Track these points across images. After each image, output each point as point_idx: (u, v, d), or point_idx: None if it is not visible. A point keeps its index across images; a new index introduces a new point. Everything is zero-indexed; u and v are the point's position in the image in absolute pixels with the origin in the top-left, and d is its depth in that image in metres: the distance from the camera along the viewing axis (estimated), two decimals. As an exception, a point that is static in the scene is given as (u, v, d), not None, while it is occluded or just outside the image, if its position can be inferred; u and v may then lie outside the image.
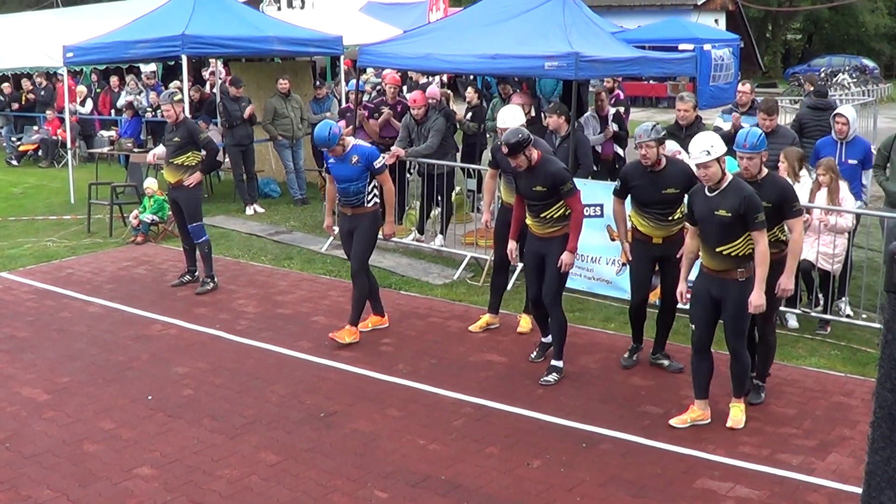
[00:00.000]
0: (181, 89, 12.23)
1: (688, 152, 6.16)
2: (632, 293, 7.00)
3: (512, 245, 7.09)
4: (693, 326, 5.98)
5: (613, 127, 10.74)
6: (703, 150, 5.70)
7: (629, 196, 6.83)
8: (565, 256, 6.59)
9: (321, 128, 7.31)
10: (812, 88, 11.96)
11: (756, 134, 6.05)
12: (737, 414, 5.93)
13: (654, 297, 7.44)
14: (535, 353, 7.14)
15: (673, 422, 5.93)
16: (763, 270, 5.66)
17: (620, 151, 10.91)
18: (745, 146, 5.98)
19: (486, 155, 10.34)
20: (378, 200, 7.56)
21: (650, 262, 6.85)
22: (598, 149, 10.64)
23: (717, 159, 5.70)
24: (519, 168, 6.64)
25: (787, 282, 5.97)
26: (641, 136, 6.47)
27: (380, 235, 7.68)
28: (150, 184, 11.44)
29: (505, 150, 6.62)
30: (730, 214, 5.65)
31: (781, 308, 7.62)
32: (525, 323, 7.77)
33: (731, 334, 5.86)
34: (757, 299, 5.67)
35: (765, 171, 6.07)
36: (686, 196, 6.21)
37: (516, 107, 7.86)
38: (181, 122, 8.95)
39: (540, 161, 6.61)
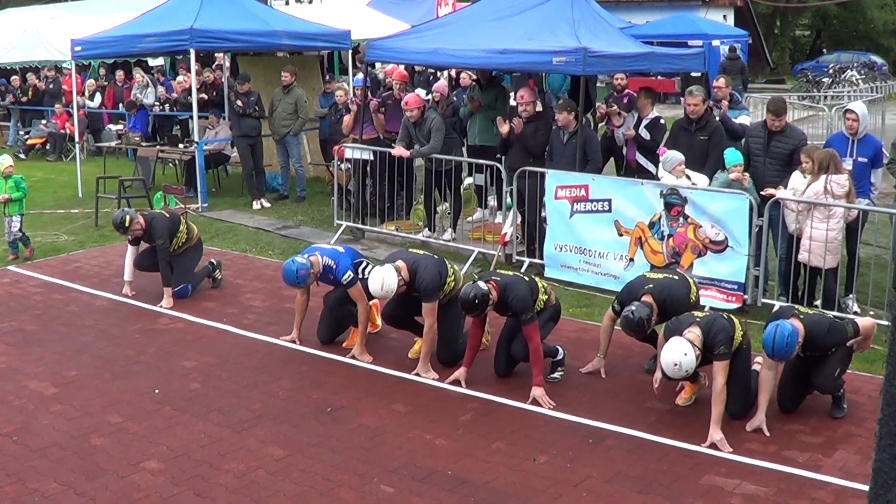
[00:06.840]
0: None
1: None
2: None
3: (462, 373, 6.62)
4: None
5: (643, 133, 9.76)
6: (682, 375, 5.65)
7: None
8: (535, 391, 6.24)
9: (288, 273, 6.99)
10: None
11: (782, 347, 5.63)
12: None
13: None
14: None
15: (679, 402, 6.24)
16: None
17: (644, 163, 9.73)
18: (775, 358, 5.73)
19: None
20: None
21: None
22: (623, 150, 10.07)
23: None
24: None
25: None
26: None
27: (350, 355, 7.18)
28: (3, 161, 10.05)
29: (472, 313, 6.33)
30: None
31: (784, 305, 7.60)
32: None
33: None
34: None
35: None
36: None
37: (390, 270, 6.57)
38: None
39: (500, 295, 6.32)
